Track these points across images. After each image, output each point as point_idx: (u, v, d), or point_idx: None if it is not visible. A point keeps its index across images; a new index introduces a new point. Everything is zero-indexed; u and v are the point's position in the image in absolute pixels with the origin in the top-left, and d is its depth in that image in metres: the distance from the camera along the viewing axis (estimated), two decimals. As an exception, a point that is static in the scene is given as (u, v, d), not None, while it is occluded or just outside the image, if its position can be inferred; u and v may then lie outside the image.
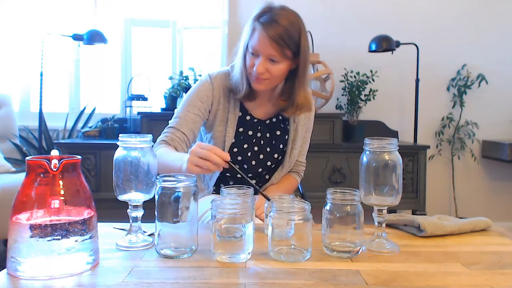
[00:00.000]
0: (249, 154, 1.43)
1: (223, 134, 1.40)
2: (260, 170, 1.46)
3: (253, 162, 1.44)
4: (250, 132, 1.44)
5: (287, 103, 1.40)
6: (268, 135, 1.46)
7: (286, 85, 1.38)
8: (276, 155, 1.47)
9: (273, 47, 1.25)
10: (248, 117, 1.43)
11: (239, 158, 1.42)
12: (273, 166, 1.48)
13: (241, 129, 1.42)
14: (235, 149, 1.41)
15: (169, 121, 1.41)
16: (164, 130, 1.39)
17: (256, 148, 1.44)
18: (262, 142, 1.45)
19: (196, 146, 1.10)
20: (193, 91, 1.42)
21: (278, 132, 1.46)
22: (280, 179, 1.50)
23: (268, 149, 1.45)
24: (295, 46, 1.28)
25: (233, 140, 1.41)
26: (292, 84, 1.37)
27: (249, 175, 1.45)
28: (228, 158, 1.09)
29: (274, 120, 1.46)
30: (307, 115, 1.50)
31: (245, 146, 1.43)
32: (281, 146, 1.47)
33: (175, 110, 1.42)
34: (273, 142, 1.46)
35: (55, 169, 0.80)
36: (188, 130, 1.38)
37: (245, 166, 1.44)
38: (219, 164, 1.07)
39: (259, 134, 1.45)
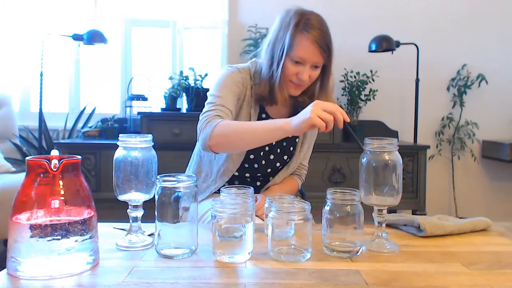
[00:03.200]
0: (261, 153, 1.43)
1: None
2: (269, 170, 1.46)
3: (263, 162, 1.44)
4: None
5: (311, 101, 1.39)
6: None
7: (312, 84, 1.36)
8: (285, 157, 1.47)
9: (322, 55, 1.26)
10: (264, 115, 1.42)
11: (252, 156, 1.41)
12: (280, 167, 1.48)
13: None
14: None
15: (206, 102, 1.32)
16: (208, 108, 1.28)
17: (267, 148, 1.44)
18: (274, 142, 1.43)
19: (320, 101, 1.08)
20: (225, 77, 1.35)
21: None
22: (283, 181, 1.50)
23: (278, 150, 1.45)
24: (332, 49, 1.29)
25: None
26: (321, 83, 1.36)
27: (258, 174, 1.45)
28: (348, 120, 1.07)
29: None
30: None
31: None
32: (291, 148, 1.47)
33: (208, 94, 1.33)
34: (284, 143, 1.46)
35: (55, 169, 0.80)
36: (232, 108, 1.31)
37: (256, 165, 1.43)
38: (340, 122, 1.06)
39: None
